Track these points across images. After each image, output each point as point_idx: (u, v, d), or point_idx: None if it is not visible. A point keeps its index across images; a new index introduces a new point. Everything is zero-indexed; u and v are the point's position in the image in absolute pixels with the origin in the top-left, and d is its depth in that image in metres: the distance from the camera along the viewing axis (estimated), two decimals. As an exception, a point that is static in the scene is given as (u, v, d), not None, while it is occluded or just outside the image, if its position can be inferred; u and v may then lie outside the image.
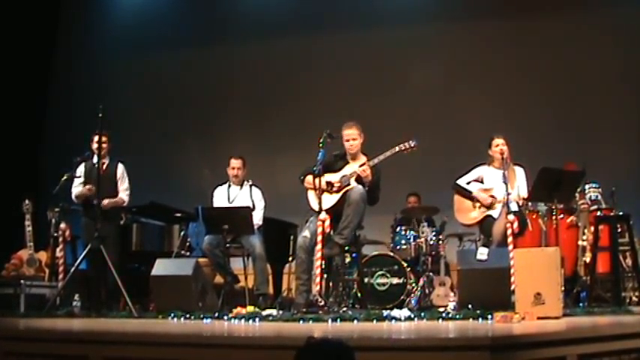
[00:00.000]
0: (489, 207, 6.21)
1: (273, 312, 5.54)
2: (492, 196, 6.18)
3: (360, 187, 5.89)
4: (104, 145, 6.68)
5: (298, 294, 5.88)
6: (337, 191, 5.93)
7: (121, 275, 6.08)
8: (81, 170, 6.79)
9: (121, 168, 6.93)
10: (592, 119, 8.48)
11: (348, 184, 5.92)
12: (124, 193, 6.91)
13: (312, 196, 5.97)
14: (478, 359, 3.21)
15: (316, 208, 5.78)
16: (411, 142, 5.93)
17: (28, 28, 9.46)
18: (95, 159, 6.71)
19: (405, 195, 8.27)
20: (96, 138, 6.63)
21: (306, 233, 5.89)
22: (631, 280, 6.17)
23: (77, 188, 6.78)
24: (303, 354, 2.28)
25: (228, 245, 6.34)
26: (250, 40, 9.76)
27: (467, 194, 6.34)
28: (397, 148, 5.93)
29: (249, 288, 6.67)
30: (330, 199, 5.88)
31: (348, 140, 6.03)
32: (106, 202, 6.62)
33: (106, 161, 6.84)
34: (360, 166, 5.95)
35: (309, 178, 5.96)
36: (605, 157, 7.92)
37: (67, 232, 6.68)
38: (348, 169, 6.02)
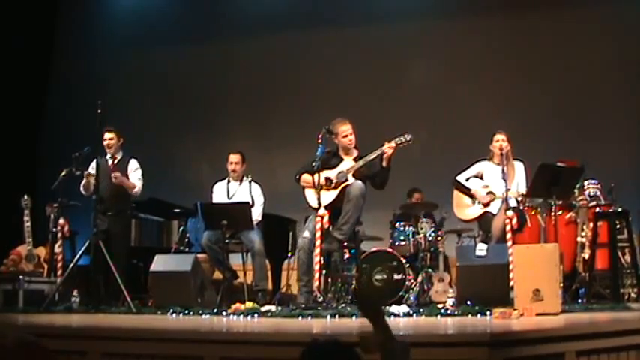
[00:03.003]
0: (486, 205, 6.21)
1: (272, 308, 5.55)
2: (491, 193, 6.18)
3: (360, 182, 5.90)
4: (112, 142, 6.75)
5: (300, 294, 5.91)
6: (335, 187, 5.93)
7: (124, 271, 6.09)
8: (93, 166, 6.79)
9: (132, 163, 6.91)
10: (591, 116, 8.47)
11: (346, 180, 5.93)
12: (136, 180, 6.83)
13: (309, 194, 5.98)
14: (477, 355, 3.21)
15: (314, 205, 5.78)
16: (406, 135, 5.95)
17: (28, 26, 9.44)
18: (108, 155, 6.76)
19: (404, 191, 8.25)
20: (105, 135, 6.69)
21: (306, 234, 5.89)
22: (629, 276, 6.17)
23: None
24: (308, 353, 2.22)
25: (227, 241, 6.33)
26: (249, 37, 9.75)
27: (466, 191, 6.34)
28: (394, 143, 5.91)
29: (248, 284, 6.67)
30: (328, 196, 5.88)
31: (346, 136, 6.03)
32: (117, 174, 6.61)
33: (119, 157, 6.87)
34: (356, 159, 5.96)
35: (306, 176, 5.97)
36: (604, 153, 7.91)
37: (66, 228, 6.68)
38: (343, 166, 6.02)
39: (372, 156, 5.92)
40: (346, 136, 6.03)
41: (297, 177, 6.09)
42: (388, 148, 5.85)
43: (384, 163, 5.90)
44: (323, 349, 2.19)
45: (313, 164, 5.74)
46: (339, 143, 6.08)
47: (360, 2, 9.70)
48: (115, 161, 6.84)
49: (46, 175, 7.51)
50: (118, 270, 5.97)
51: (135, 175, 6.86)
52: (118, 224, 6.61)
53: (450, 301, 5.61)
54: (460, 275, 5.57)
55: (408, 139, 5.95)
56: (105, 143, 6.78)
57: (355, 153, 6.10)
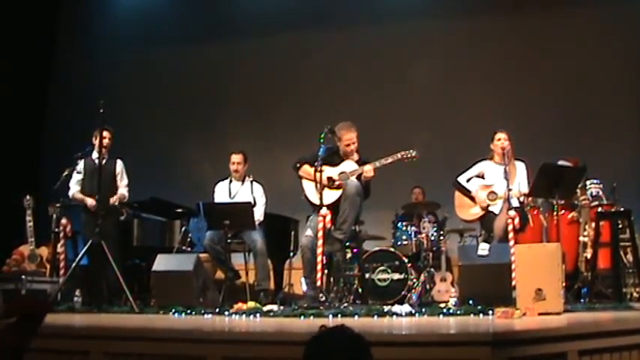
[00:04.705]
0: (485, 208, 6.21)
1: (274, 307, 5.55)
2: (493, 192, 6.18)
3: (356, 181, 5.89)
4: (107, 142, 6.67)
5: (307, 292, 5.90)
6: (337, 188, 5.92)
7: (121, 271, 6.08)
8: (81, 166, 6.79)
9: (119, 164, 6.93)
10: (593, 115, 8.47)
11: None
12: (124, 189, 6.95)
13: (308, 187, 5.96)
14: (479, 355, 3.21)
15: (314, 200, 5.78)
16: (412, 151, 5.95)
17: (28, 27, 9.45)
18: (95, 155, 6.72)
19: (406, 191, 8.27)
20: (105, 133, 6.63)
21: (309, 232, 5.88)
22: (632, 276, 6.17)
23: (75, 187, 6.79)
24: (314, 343, 2.22)
25: (229, 241, 6.34)
26: (251, 37, 9.76)
27: (466, 193, 6.33)
28: (399, 155, 5.94)
29: (250, 283, 6.67)
30: (331, 196, 5.87)
31: (348, 145, 6.01)
32: (114, 198, 6.69)
33: (106, 157, 6.82)
34: (357, 162, 5.95)
35: (306, 167, 5.94)
36: (606, 153, 7.91)
37: (68, 228, 6.69)
38: (346, 166, 6.00)
39: (377, 164, 5.92)
40: (349, 144, 6.01)
41: (298, 165, 6.04)
42: (367, 171, 5.86)
43: (363, 181, 5.90)
44: (329, 338, 2.19)
45: (316, 163, 5.72)
46: (340, 147, 6.07)
47: (360, 2, 9.70)
48: (103, 162, 6.75)
49: (48, 174, 7.52)
50: (113, 271, 5.96)
51: (122, 180, 6.92)
52: (109, 223, 6.57)
53: (452, 301, 5.61)
54: (462, 275, 5.56)
55: (413, 154, 5.95)
56: (104, 142, 6.69)
57: (356, 156, 6.08)
